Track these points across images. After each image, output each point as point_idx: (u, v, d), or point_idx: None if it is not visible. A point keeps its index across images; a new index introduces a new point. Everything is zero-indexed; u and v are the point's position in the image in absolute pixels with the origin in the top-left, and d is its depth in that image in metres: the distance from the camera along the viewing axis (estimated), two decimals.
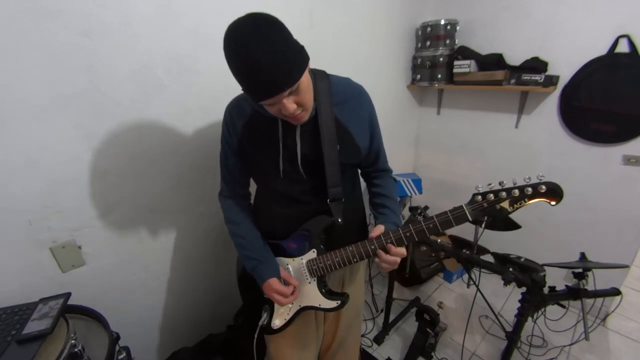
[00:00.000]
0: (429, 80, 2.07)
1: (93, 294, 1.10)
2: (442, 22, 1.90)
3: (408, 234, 0.77)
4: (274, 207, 0.92)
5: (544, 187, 0.66)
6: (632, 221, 1.68)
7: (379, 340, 1.81)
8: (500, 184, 0.69)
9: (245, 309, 1.34)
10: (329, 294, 0.92)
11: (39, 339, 0.75)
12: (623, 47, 1.50)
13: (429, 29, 1.95)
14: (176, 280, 1.36)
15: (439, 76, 2.02)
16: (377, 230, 0.82)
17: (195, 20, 1.11)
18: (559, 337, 1.66)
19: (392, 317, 1.88)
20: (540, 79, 1.67)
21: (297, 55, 0.64)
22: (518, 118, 1.92)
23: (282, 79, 0.62)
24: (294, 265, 0.92)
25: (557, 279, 1.84)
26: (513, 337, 1.31)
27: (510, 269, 1.24)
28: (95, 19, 0.91)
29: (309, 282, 0.91)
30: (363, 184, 1.03)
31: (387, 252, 0.79)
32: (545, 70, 1.71)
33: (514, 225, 1.40)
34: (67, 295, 0.89)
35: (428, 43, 1.99)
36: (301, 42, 0.68)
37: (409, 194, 2.02)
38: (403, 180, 2.01)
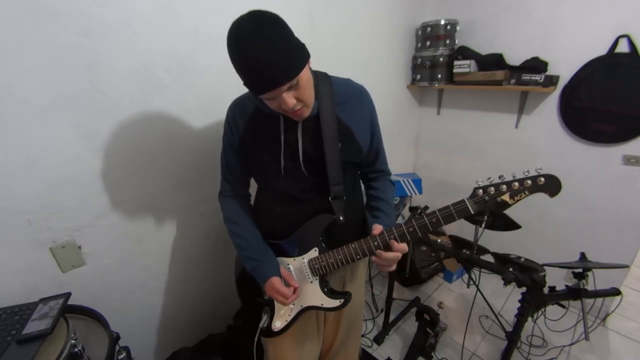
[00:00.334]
0: (429, 80, 2.07)
1: (93, 294, 1.10)
2: (442, 22, 1.90)
3: (411, 230, 0.77)
4: (274, 206, 0.92)
5: (542, 179, 0.68)
6: (632, 221, 1.68)
7: (379, 340, 1.81)
8: (500, 177, 0.71)
9: (244, 310, 1.34)
10: (331, 293, 0.91)
11: (39, 339, 0.75)
12: (623, 47, 1.50)
13: (429, 29, 1.95)
14: (176, 280, 1.36)
15: (439, 76, 2.02)
16: (378, 228, 0.82)
17: (195, 20, 1.11)
18: (559, 337, 1.66)
19: (392, 317, 1.88)
20: (540, 79, 1.67)
21: (297, 52, 0.66)
22: (518, 118, 1.92)
23: (281, 74, 0.64)
24: (295, 265, 0.91)
25: (557, 279, 1.84)
26: (513, 337, 1.31)
27: (510, 269, 1.24)
28: (95, 19, 0.91)
29: (311, 282, 0.91)
30: None
31: (388, 249, 0.80)
32: (545, 70, 1.71)
33: (514, 225, 1.40)
34: (67, 295, 0.89)
35: (428, 43, 1.99)
36: (301, 41, 0.68)
37: (409, 194, 2.02)
38: (403, 180, 2.00)
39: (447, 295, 2.17)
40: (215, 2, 1.14)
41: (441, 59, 1.97)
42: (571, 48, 1.63)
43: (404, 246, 0.80)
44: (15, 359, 0.71)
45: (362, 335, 1.83)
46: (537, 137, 1.88)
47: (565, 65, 1.66)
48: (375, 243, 0.80)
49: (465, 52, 1.93)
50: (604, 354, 1.69)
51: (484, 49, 1.90)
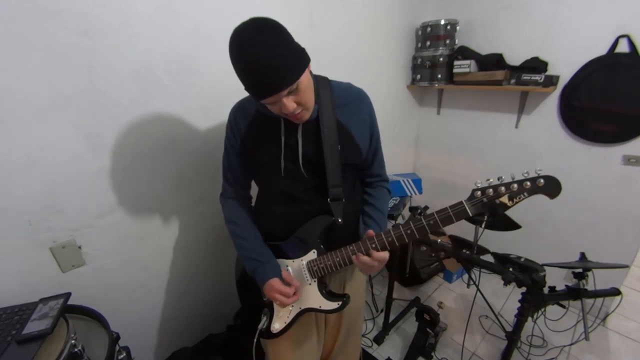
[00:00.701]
0: (429, 80, 2.07)
1: (93, 294, 1.10)
2: (442, 22, 1.90)
3: (409, 232, 0.77)
4: (274, 207, 0.93)
5: (542, 180, 0.67)
6: (632, 221, 1.68)
7: (379, 340, 1.81)
8: (498, 179, 0.70)
9: (244, 311, 1.34)
10: (329, 295, 0.91)
11: (39, 339, 0.75)
12: (623, 47, 1.50)
13: (429, 29, 1.95)
14: (176, 280, 1.36)
15: (439, 76, 2.02)
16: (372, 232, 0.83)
17: (195, 20, 1.11)
18: (559, 337, 1.66)
19: (392, 317, 1.88)
20: (540, 79, 1.67)
21: (296, 57, 0.68)
22: (518, 118, 1.92)
23: (281, 79, 0.66)
24: (294, 267, 0.92)
25: (557, 279, 1.84)
26: (513, 337, 1.31)
27: (510, 269, 1.24)
28: (95, 19, 0.91)
29: (310, 284, 0.91)
30: None
31: (384, 250, 0.80)
32: (545, 70, 1.71)
33: (514, 225, 1.40)
34: (67, 295, 0.89)
35: (428, 43, 1.99)
36: (301, 42, 0.70)
37: (409, 194, 2.02)
38: (403, 180, 2.00)
39: (447, 295, 2.17)
40: (215, 2, 1.14)
41: (441, 59, 1.97)
42: (571, 48, 1.63)
43: (384, 255, 0.80)
44: (15, 359, 0.71)
45: (362, 336, 1.83)
46: (537, 137, 1.88)
47: (565, 65, 1.66)
48: (373, 245, 0.80)
49: (465, 52, 1.93)
50: (604, 354, 1.69)
51: (484, 49, 1.90)
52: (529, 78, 1.71)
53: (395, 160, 2.39)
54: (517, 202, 0.69)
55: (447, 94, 2.23)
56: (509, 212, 0.75)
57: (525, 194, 0.68)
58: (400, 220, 2.03)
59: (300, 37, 0.68)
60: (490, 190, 0.70)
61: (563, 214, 1.88)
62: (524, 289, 1.23)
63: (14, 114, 0.85)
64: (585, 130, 1.70)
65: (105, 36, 0.94)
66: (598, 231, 1.79)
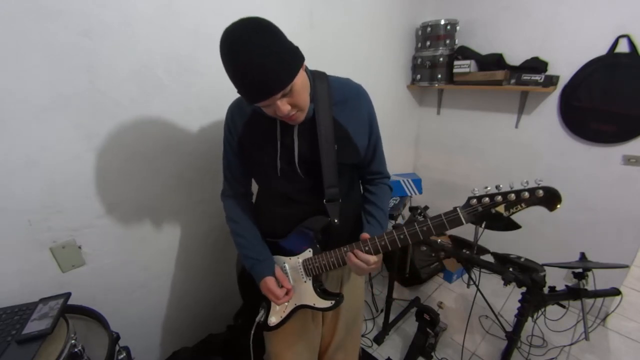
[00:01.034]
0: (429, 80, 2.07)
1: (93, 294, 1.10)
2: (442, 22, 1.90)
3: (402, 237, 0.77)
4: (273, 206, 0.94)
5: (541, 192, 0.64)
6: (632, 221, 1.68)
7: (379, 340, 1.81)
8: (497, 187, 0.68)
9: (244, 307, 1.35)
10: (323, 293, 0.93)
11: (39, 339, 0.75)
12: (623, 47, 1.50)
13: (429, 29, 1.95)
14: (176, 280, 1.36)
15: (439, 76, 2.02)
16: (366, 235, 0.83)
17: (195, 20, 1.11)
18: (559, 337, 1.66)
19: (392, 317, 1.88)
20: (540, 79, 1.67)
21: (289, 59, 0.66)
22: (518, 118, 1.92)
23: (273, 83, 0.64)
24: (291, 264, 0.93)
25: (557, 279, 1.84)
26: (513, 337, 1.30)
27: (510, 269, 1.24)
28: (95, 19, 0.91)
29: (305, 281, 0.92)
30: None
31: (377, 253, 0.80)
32: (545, 70, 1.71)
33: (514, 225, 1.40)
34: (67, 295, 0.89)
35: (428, 43, 1.99)
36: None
37: (409, 194, 2.02)
38: (403, 180, 2.01)
39: (447, 295, 2.17)
40: (215, 2, 1.14)
41: (441, 59, 1.97)
42: (571, 48, 1.63)
43: (372, 257, 0.79)
44: (15, 359, 0.71)
45: (362, 335, 1.83)
46: (537, 137, 1.88)
47: (565, 65, 1.66)
48: (367, 248, 0.80)
49: (465, 52, 1.92)
50: (604, 354, 1.69)
51: (484, 49, 1.90)
52: (529, 78, 1.71)
53: (395, 160, 2.39)
54: (513, 213, 0.67)
55: (447, 94, 2.23)
56: None
57: (522, 204, 0.66)
58: (400, 220, 2.03)
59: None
60: (487, 199, 0.67)
61: (563, 214, 1.87)
62: (524, 289, 1.23)
63: (14, 114, 0.85)
64: (585, 130, 1.70)
65: (105, 36, 0.94)
66: (598, 231, 1.79)
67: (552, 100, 1.77)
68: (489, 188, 0.69)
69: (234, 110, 0.88)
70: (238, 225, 0.95)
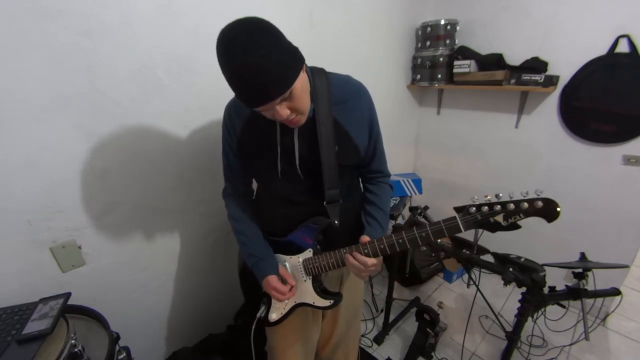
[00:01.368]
0: (429, 80, 2.07)
1: (93, 294, 1.10)
2: (442, 22, 1.90)
3: (400, 241, 0.77)
4: (274, 206, 0.94)
5: (540, 203, 0.65)
6: (632, 221, 1.68)
7: (379, 340, 1.81)
8: (496, 196, 0.68)
9: (246, 305, 1.36)
10: (323, 292, 0.94)
11: (39, 339, 0.75)
12: (623, 47, 1.50)
13: (429, 29, 1.95)
14: (176, 280, 1.36)
15: (439, 76, 2.02)
16: (366, 238, 0.83)
17: (195, 20, 1.11)
18: (559, 337, 1.66)
19: (392, 317, 1.88)
20: (540, 79, 1.67)
21: (288, 62, 0.63)
22: (518, 118, 1.92)
23: (271, 87, 0.61)
24: (292, 263, 0.93)
25: (557, 279, 1.84)
26: (513, 337, 1.30)
27: (510, 269, 1.24)
28: (95, 19, 0.91)
29: (305, 280, 0.93)
30: None
31: (376, 256, 0.81)
32: (545, 70, 1.71)
33: (514, 225, 1.40)
34: (67, 295, 0.89)
35: (428, 43, 1.99)
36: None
37: (409, 194, 2.02)
38: (403, 180, 2.00)
39: (447, 295, 2.17)
40: (215, 2, 1.14)
41: (441, 59, 1.97)
42: (571, 48, 1.63)
43: (370, 260, 0.80)
44: (15, 359, 0.71)
45: (362, 335, 1.83)
46: (537, 137, 1.88)
47: (565, 65, 1.66)
48: (366, 251, 0.81)
49: (465, 52, 1.92)
50: (604, 354, 1.69)
51: (484, 49, 1.90)
52: (529, 78, 1.71)
53: (395, 160, 2.39)
54: (512, 222, 0.67)
55: (447, 94, 2.23)
56: None
57: (521, 214, 0.66)
58: (400, 220, 2.03)
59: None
60: (486, 207, 0.68)
61: (563, 214, 1.84)
62: (524, 289, 1.22)
63: (14, 114, 0.85)
64: (585, 130, 1.70)
65: (105, 36, 0.94)
66: (598, 231, 1.79)
67: (552, 100, 1.77)
68: (489, 197, 0.69)
69: (231, 109, 0.86)
70: (240, 224, 0.95)
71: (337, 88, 0.81)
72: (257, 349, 1.03)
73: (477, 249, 1.44)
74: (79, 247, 1.05)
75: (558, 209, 0.64)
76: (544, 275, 1.20)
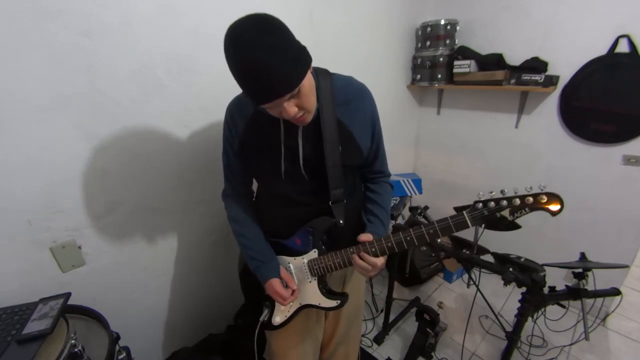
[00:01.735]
0: (429, 80, 2.07)
1: (93, 294, 1.10)
2: (442, 22, 1.90)
3: (408, 238, 0.78)
4: (276, 206, 0.93)
5: (545, 197, 0.66)
6: (632, 221, 1.68)
7: (379, 340, 1.81)
8: (501, 192, 0.70)
9: (246, 305, 1.35)
10: (329, 293, 0.93)
11: (39, 339, 0.75)
12: (623, 47, 1.50)
13: (429, 29, 1.95)
14: (176, 280, 1.36)
15: (439, 76, 2.02)
16: (368, 237, 0.83)
17: (195, 20, 1.11)
18: (559, 337, 1.66)
19: (392, 317, 1.88)
20: (540, 79, 1.67)
21: (298, 59, 0.63)
22: (518, 118, 1.92)
23: (281, 85, 0.61)
24: (296, 264, 0.92)
25: (557, 279, 1.84)
26: (513, 337, 1.31)
27: (510, 269, 1.24)
28: (95, 19, 0.91)
29: (310, 281, 0.92)
30: None
31: (383, 254, 0.81)
32: (545, 70, 1.71)
33: (514, 225, 1.40)
34: (67, 295, 0.89)
35: (428, 43, 1.99)
36: (301, 42, 0.67)
37: (409, 194, 2.02)
38: (403, 180, 2.00)
39: (447, 295, 2.17)
40: (215, 2, 1.14)
41: (441, 59, 1.97)
42: (571, 48, 1.63)
43: (374, 261, 0.81)
44: (15, 359, 0.71)
45: (362, 335, 1.83)
46: (537, 137, 1.88)
47: (565, 65, 1.66)
48: (373, 249, 0.81)
49: (465, 52, 1.92)
50: (604, 354, 1.69)
51: (484, 49, 1.90)
52: (529, 78, 1.71)
53: (395, 160, 2.39)
54: (517, 217, 0.69)
55: (447, 94, 2.23)
56: None
57: (526, 209, 0.68)
58: (400, 220, 2.03)
59: (300, 37, 0.67)
60: (492, 203, 0.69)
61: (563, 213, 1.86)
62: (524, 289, 1.23)
63: (14, 114, 0.85)
64: (585, 130, 1.70)
65: (105, 36, 0.94)
66: (598, 231, 1.79)
67: (552, 100, 1.77)
68: (493, 193, 0.71)
69: (234, 109, 0.86)
70: (240, 226, 0.94)
71: (340, 89, 0.81)
72: (259, 351, 1.02)
73: (477, 249, 1.44)
74: (79, 247, 1.05)
75: (562, 203, 0.67)
76: (544, 275, 1.20)
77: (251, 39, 0.58)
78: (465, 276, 2.24)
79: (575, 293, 1.24)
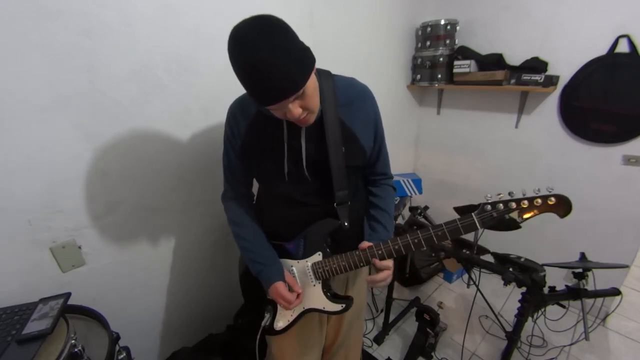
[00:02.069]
0: (429, 80, 2.07)
1: (93, 294, 1.10)
2: (442, 22, 1.90)
3: (416, 241, 0.77)
4: (278, 208, 0.91)
5: (553, 199, 0.66)
6: (632, 221, 1.68)
7: (379, 340, 1.81)
8: (509, 194, 0.69)
9: (246, 308, 1.34)
10: (333, 297, 0.91)
11: (39, 339, 0.75)
12: (623, 47, 1.50)
13: (429, 29, 1.95)
14: (176, 280, 1.36)
15: (439, 76, 2.02)
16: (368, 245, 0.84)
17: (195, 20, 1.11)
18: (559, 337, 1.66)
19: (392, 317, 1.88)
20: (540, 79, 1.67)
21: (302, 61, 0.63)
22: (518, 118, 1.92)
23: (286, 86, 0.61)
24: (299, 267, 0.90)
25: (557, 279, 1.84)
26: (513, 337, 1.30)
27: (510, 269, 1.24)
28: (95, 19, 0.91)
29: (314, 285, 0.90)
30: None
31: (390, 257, 0.81)
32: (545, 70, 1.71)
33: (515, 225, 1.40)
34: (67, 295, 0.89)
35: (428, 43, 1.99)
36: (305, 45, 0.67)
37: (409, 194, 2.02)
38: (403, 180, 2.00)
39: (447, 295, 2.17)
40: (215, 2, 1.14)
41: (441, 59, 1.97)
42: (571, 48, 1.63)
43: (389, 262, 0.82)
44: (15, 359, 0.71)
45: (363, 335, 1.83)
46: (537, 137, 1.88)
47: (565, 65, 1.66)
48: (380, 252, 0.80)
49: (465, 52, 1.92)
50: (604, 354, 1.69)
51: (484, 49, 1.90)
52: (529, 78, 1.71)
53: (395, 160, 2.36)
54: (526, 219, 0.68)
55: (447, 94, 2.23)
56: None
57: (535, 211, 0.68)
58: (400, 220, 2.03)
59: (300, 37, 0.67)
60: (501, 205, 0.69)
61: None
62: (524, 289, 1.23)
63: (14, 114, 0.85)
64: (585, 130, 1.70)
65: (105, 36, 0.94)
66: (598, 231, 1.79)
67: (552, 100, 1.77)
68: (501, 195, 0.70)
69: (236, 110, 0.85)
70: (241, 229, 0.93)
71: (342, 90, 0.81)
72: (260, 356, 0.99)
73: (477, 249, 1.44)
74: (79, 247, 1.05)
75: (570, 205, 0.66)
76: (544, 275, 1.20)
77: (255, 40, 0.57)
78: (465, 276, 2.24)
79: (575, 293, 1.24)
